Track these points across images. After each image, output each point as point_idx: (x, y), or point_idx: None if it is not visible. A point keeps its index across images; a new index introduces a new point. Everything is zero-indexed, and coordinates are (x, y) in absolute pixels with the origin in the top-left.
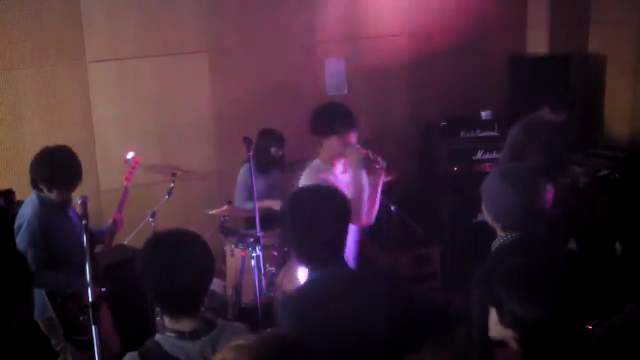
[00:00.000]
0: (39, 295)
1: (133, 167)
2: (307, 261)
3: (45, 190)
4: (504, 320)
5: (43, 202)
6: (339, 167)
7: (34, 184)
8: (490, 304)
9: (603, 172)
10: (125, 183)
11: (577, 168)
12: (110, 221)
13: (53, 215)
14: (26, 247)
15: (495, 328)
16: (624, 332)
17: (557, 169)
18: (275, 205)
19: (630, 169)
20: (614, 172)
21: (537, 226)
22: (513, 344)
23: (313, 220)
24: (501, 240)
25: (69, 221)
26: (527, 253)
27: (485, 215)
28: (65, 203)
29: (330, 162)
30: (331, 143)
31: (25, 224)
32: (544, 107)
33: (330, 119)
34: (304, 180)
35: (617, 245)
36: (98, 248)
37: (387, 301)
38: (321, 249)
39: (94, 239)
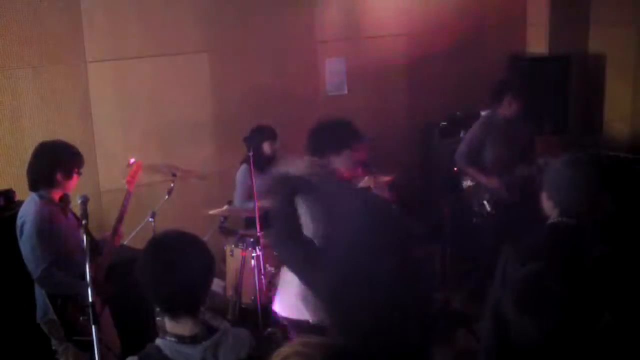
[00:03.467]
0: (40, 297)
1: (135, 172)
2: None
3: (56, 178)
4: (512, 338)
5: (45, 202)
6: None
7: (34, 184)
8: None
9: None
10: (127, 187)
11: (540, 160)
12: (107, 234)
13: (55, 215)
14: (34, 245)
15: None
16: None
17: (519, 161)
18: None
19: (630, 169)
20: (613, 171)
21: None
22: None
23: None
24: (555, 220)
25: (69, 223)
26: (578, 238)
27: (545, 201)
28: (66, 203)
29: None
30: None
31: (29, 224)
32: (500, 104)
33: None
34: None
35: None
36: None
37: None
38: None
39: (95, 244)
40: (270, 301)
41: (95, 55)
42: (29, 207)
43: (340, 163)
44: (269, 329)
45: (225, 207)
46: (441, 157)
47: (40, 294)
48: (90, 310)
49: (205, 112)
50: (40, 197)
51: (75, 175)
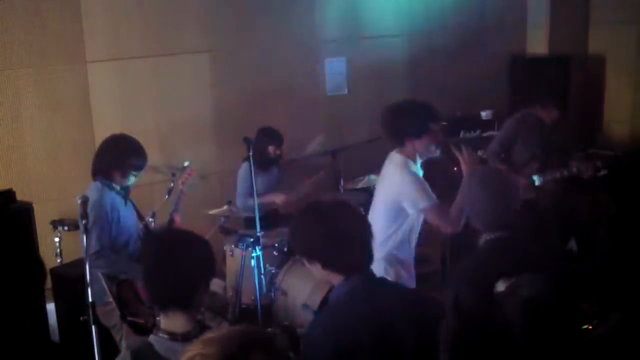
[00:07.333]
0: (97, 282)
1: (189, 174)
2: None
3: (113, 174)
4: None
5: (108, 190)
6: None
7: (95, 174)
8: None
9: (603, 172)
10: (181, 187)
11: (575, 163)
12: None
13: (117, 202)
14: (91, 227)
15: None
16: (608, 345)
17: (552, 163)
18: (278, 198)
19: (629, 169)
20: (613, 171)
21: (518, 224)
22: None
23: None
24: (486, 237)
25: (128, 212)
26: (511, 251)
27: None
28: (126, 192)
29: (414, 160)
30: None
31: (90, 207)
32: (535, 105)
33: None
34: (399, 174)
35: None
36: None
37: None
38: None
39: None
40: (270, 301)
41: (95, 55)
42: (92, 193)
43: (419, 147)
44: (269, 329)
45: (225, 207)
46: (441, 157)
47: (97, 279)
48: (90, 311)
49: (205, 112)
50: (104, 184)
51: (131, 177)
